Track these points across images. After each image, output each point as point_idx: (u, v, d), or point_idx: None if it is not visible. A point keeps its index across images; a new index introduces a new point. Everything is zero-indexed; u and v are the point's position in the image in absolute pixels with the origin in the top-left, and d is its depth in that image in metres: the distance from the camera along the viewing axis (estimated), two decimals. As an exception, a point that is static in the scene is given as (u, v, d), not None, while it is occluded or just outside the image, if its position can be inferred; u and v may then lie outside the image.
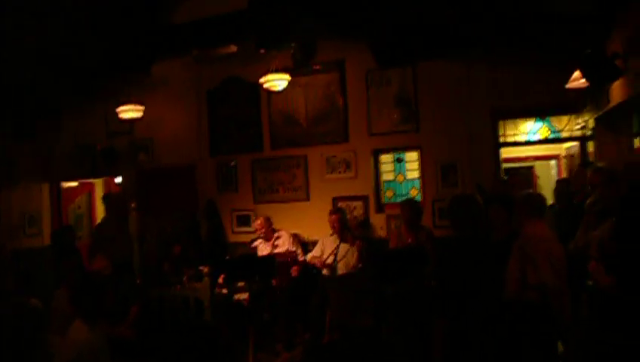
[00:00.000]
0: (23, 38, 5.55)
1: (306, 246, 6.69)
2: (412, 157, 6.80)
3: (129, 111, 6.84)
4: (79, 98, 7.70)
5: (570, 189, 5.49)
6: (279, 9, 5.29)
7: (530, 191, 4.52)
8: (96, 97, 7.67)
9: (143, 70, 6.56)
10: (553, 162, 8.72)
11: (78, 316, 3.30)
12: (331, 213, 6.20)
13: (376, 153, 6.88)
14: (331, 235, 6.14)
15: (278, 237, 6.54)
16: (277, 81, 6.15)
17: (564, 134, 6.42)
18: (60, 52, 5.99)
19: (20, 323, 3.10)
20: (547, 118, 6.42)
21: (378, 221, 6.74)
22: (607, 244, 3.40)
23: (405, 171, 6.88)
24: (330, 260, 5.91)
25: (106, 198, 7.39)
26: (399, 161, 6.89)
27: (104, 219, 7.03)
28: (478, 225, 3.75)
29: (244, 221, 7.33)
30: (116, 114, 6.92)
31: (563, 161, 8.08)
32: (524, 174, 8.43)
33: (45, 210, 8.11)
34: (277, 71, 6.11)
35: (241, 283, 5.93)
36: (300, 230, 6.91)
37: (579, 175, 5.34)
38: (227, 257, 6.62)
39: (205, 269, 6.20)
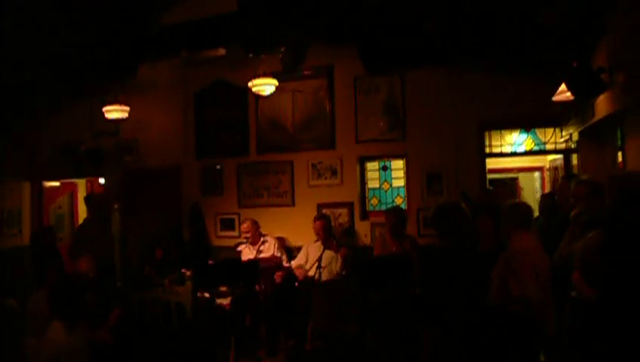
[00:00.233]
0: (9, 36, 5.47)
1: (291, 252, 6.66)
2: (398, 165, 6.82)
3: (115, 112, 6.78)
4: (65, 97, 7.59)
5: (554, 203, 5.54)
6: (269, 13, 5.29)
7: (517, 200, 4.53)
8: (82, 97, 7.57)
9: (130, 71, 6.51)
10: (537, 174, 8.82)
11: (56, 318, 3.23)
12: (316, 219, 6.20)
13: (363, 160, 6.88)
14: (316, 241, 6.12)
15: (264, 242, 6.48)
16: (264, 86, 6.12)
17: (549, 146, 6.50)
18: (46, 51, 5.92)
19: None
20: (532, 130, 6.48)
21: (363, 228, 6.73)
22: (590, 257, 3.42)
23: (391, 179, 6.90)
24: (312, 272, 5.86)
25: (88, 199, 7.32)
26: (385, 168, 6.91)
27: (86, 220, 6.94)
28: (465, 234, 3.75)
29: (229, 225, 7.28)
30: (102, 114, 6.85)
31: (547, 173, 8.17)
32: (509, 185, 8.50)
33: (26, 209, 7.97)
34: (265, 75, 6.08)
35: (223, 288, 5.87)
36: (285, 235, 6.88)
37: (563, 187, 5.39)
38: (210, 261, 6.54)
39: (188, 273, 6.13)
